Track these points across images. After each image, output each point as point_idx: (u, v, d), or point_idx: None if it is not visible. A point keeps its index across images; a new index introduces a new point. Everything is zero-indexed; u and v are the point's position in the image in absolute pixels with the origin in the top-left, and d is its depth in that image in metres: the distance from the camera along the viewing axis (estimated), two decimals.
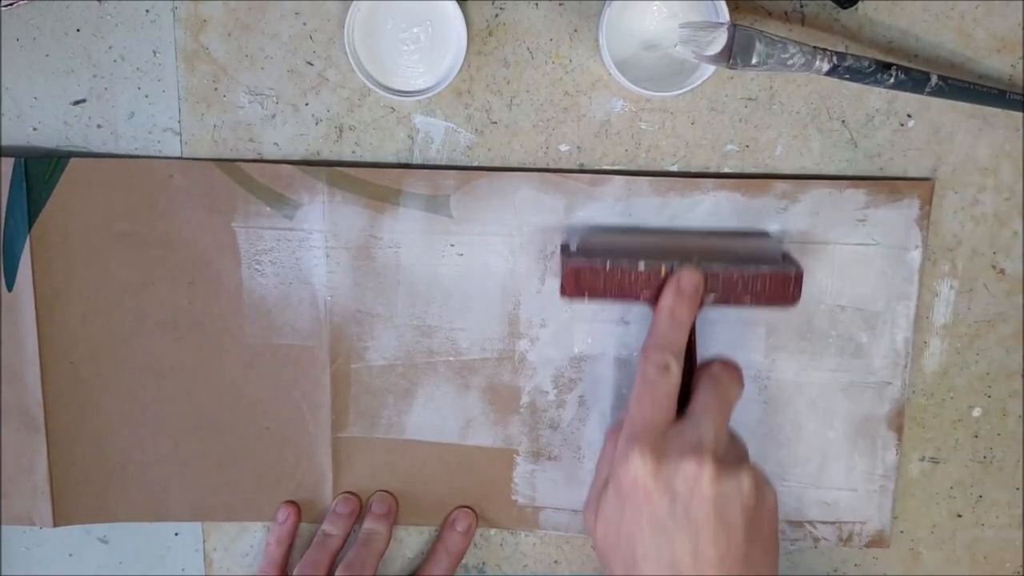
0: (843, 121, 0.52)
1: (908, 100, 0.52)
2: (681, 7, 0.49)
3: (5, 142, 0.53)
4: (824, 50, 0.46)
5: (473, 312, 0.54)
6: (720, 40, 0.45)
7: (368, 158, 0.53)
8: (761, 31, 0.45)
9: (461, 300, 0.54)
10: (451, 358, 0.54)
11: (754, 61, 0.45)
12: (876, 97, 0.52)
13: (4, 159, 0.52)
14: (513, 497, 0.56)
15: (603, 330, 0.54)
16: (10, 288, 0.53)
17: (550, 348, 0.54)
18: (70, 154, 0.52)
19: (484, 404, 0.55)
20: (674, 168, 0.52)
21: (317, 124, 0.52)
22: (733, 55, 0.45)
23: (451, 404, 0.55)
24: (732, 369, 0.47)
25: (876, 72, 0.47)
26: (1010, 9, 0.51)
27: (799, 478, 0.55)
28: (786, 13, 0.51)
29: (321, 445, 0.55)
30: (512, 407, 0.55)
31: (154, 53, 0.52)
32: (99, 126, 0.53)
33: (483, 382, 0.55)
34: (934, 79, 0.48)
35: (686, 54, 0.47)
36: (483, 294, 0.54)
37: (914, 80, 0.47)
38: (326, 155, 0.53)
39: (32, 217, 0.52)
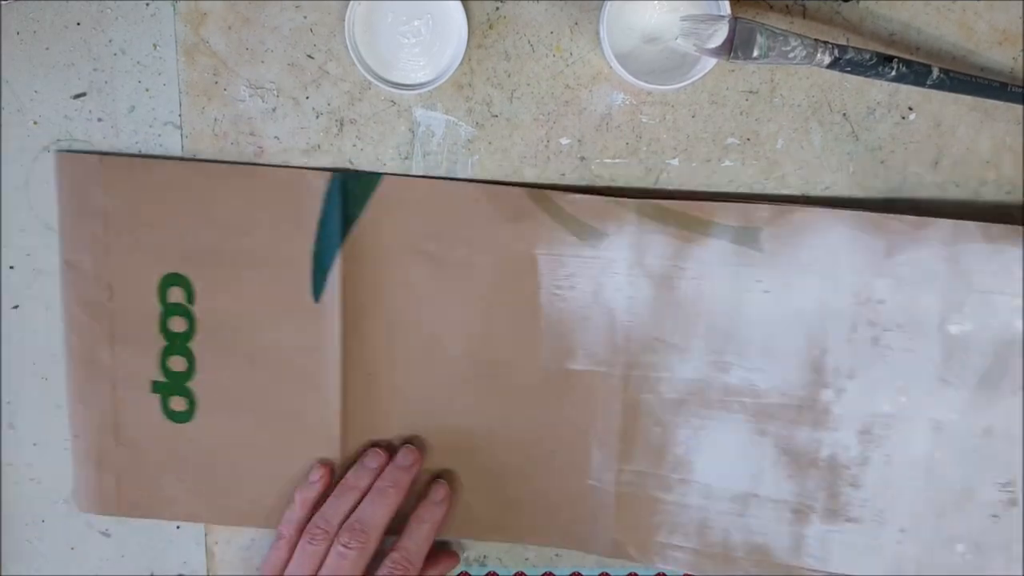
0: (844, 114, 0.52)
1: (909, 93, 0.52)
2: (682, 1, 0.49)
3: (5, 136, 0.53)
4: (825, 43, 0.46)
5: (775, 353, 0.51)
6: (721, 33, 0.45)
7: (369, 152, 0.53)
8: (762, 24, 0.45)
9: (763, 339, 0.51)
10: (747, 400, 0.51)
11: (755, 54, 0.45)
12: (877, 90, 0.52)
13: (322, 174, 0.52)
14: (805, 559, 0.52)
15: (919, 389, 0.50)
16: (317, 299, 0.53)
17: (857, 402, 0.50)
18: (380, 173, 0.52)
19: (779, 453, 0.52)
20: (675, 162, 0.52)
21: (318, 118, 0.52)
22: (734, 48, 0.45)
23: (744, 449, 0.52)
24: None
25: (877, 65, 0.47)
26: (1011, 2, 0.51)
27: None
28: (787, 6, 0.51)
29: (605, 474, 0.53)
30: (810, 460, 0.51)
31: (154, 47, 0.52)
32: (100, 120, 0.53)
33: (780, 429, 0.51)
34: (935, 72, 0.48)
35: (687, 47, 0.47)
36: (787, 335, 0.51)
37: (915, 73, 0.47)
38: (326, 149, 0.53)
39: (344, 232, 0.52)
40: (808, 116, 0.52)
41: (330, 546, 0.51)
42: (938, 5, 0.51)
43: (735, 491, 0.52)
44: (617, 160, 0.52)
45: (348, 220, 0.52)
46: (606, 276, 0.52)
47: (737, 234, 0.50)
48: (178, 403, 0.54)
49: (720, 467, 0.52)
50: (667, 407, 0.52)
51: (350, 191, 0.52)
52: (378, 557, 0.52)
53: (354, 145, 0.53)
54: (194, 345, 0.54)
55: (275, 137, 0.53)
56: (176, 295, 0.53)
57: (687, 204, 0.51)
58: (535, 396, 0.53)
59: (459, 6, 0.49)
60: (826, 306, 0.50)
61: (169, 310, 0.53)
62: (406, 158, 0.53)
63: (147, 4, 0.51)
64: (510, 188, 0.52)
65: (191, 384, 0.54)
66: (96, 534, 0.57)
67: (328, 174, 0.52)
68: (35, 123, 0.53)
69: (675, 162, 0.52)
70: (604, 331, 0.52)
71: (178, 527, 0.57)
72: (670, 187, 0.53)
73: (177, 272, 0.53)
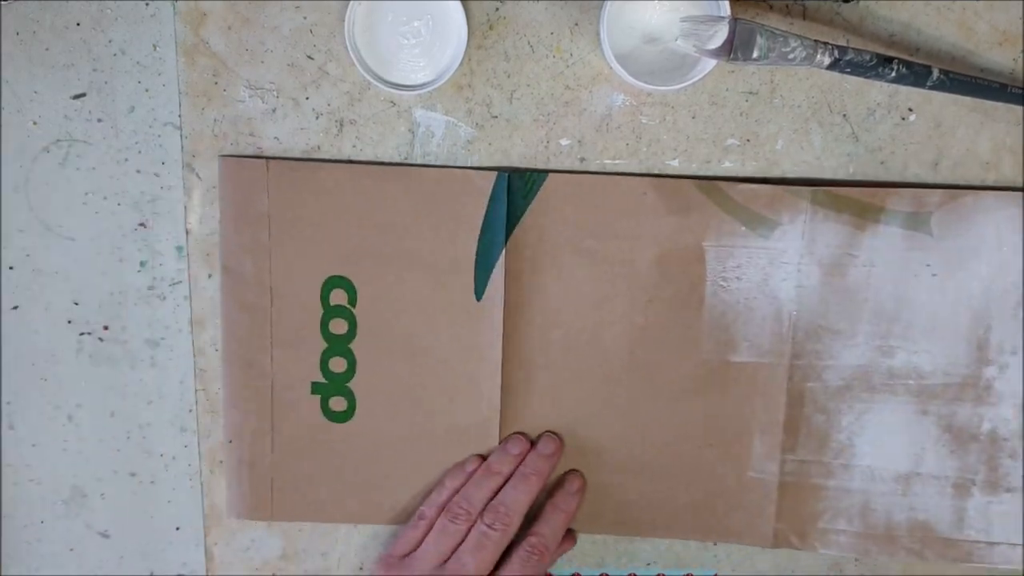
0: (844, 115, 0.52)
1: (909, 94, 0.52)
2: (682, 2, 0.49)
3: (5, 136, 0.53)
4: (825, 44, 0.46)
5: (939, 334, 0.52)
6: (721, 34, 0.45)
7: (368, 152, 0.53)
8: (762, 25, 0.45)
9: (928, 321, 0.52)
10: (911, 381, 0.53)
11: (755, 55, 0.45)
12: (877, 91, 0.52)
13: (488, 174, 0.52)
14: (966, 532, 0.54)
15: None
16: (479, 298, 0.53)
17: (1020, 376, 0.52)
18: (546, 170, 0.52)
19: (940, 431, 0.53)
20: (675, 163, 0.52)
21: (317, 118, 0.52)
22: (734, 49, 0.45)
23: (906, 429, 0.53)
24: None
25: (877, 66, 0.47)
26: (1011, 3, 0.51)
27: None
28: (787, 7, 0.51)
29: (768, 465, 0.54)
30: (971, 435, 0.53)
31: (154, 47, 0.52)
32: (99, 120, 0.53)
33: (942, 408, 0.53)
34: (935, 73, 0.48)
35: (687, 48, 0.47)
36: (953, 316, 0.52)
37: (915, 74, 0.47)
38: (326, 149, 0.53)
39: (509, 231, 0.52)
40: (808, 117, 0.52)
41: (470, 527, 0.52)
42: (938, 5, 0.51)
43: (897, 472, 0.54)
44: (617, 161, 0.52)
45: (512, 219, 0.52)
46: (775, 266, 0.52)
47: (908, 219, 0.51)
48: (338, 403, 0.55)
49: (882, 449, 0.54)
50: (832, 394, 0.53)
51: (516, 190, 0.52)
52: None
53: (354, 146, 0.53)
54: (355, 346, 0.54)
55: (275, 138, 0.53)
56: (338, 297, 0.53)
57: (860, 191, 0.51)
58: (694, 390, 0.54)
59: (459, 6, 0.49)
60: (991, 286, 0.52)
61: (331, 312, 0.53)
62: (406, 159, 0.53)
63: (147, 4, 0.51)
64: (678, 180, 0.52)
65: (351, 384, 0.54)
66: (95, 535, 0.57)
67: (493, 174, 0.52)
68: (35, 123, 0.53)
69: (675, 163, 0.52)
70: (770, 322, 0.53)
71: (177, 528, 0.57)
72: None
73: (340, 275, 0.53)
